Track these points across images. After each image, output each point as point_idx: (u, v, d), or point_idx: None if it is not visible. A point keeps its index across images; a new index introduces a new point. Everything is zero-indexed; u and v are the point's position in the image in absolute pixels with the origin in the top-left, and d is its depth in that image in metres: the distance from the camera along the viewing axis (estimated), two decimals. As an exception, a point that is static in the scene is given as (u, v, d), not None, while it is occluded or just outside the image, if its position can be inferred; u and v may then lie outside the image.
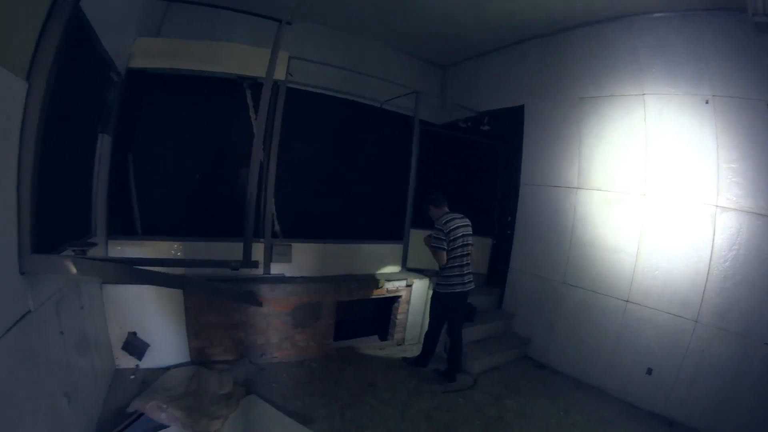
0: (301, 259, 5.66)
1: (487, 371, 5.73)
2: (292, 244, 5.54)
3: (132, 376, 4.45)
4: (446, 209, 5.34)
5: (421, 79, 8.00)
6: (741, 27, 4.44)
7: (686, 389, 4.74)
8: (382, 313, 6.57)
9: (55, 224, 2.91)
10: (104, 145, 4.08)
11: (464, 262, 5.30)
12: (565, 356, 5.93)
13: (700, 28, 4.78)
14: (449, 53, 7.96)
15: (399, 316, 6.39)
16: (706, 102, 4.72)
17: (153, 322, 4.66)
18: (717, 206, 4.64)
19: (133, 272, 3.03)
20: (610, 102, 5.60)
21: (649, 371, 5.03)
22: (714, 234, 4.64)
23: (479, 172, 7.45)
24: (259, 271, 5.19)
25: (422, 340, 5.77)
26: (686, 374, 4.74)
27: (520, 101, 6.83)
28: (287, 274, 5.59)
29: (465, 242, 5.26)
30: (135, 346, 4.56)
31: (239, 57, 4.86)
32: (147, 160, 4.76)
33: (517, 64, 6.97)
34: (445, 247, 5.12)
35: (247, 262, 3.36)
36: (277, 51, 3.34)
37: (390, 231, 6.54)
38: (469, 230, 5.32)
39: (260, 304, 4.35)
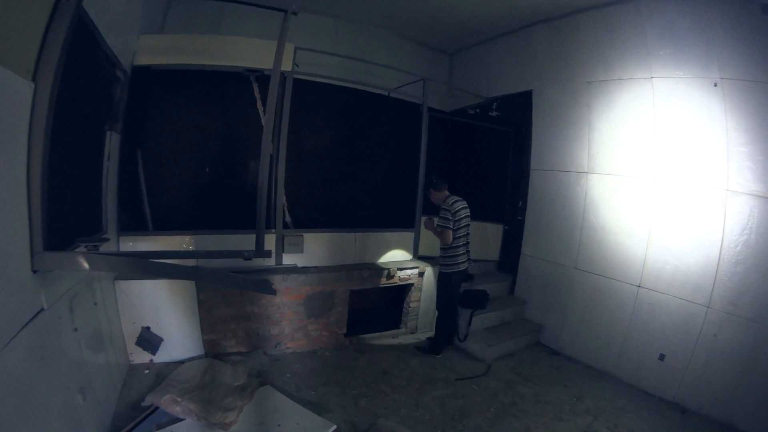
0: (313, 249, 5.69)
1: (500, 358, 5.75)
2: (304, 234, 5.57)
3: (146, 371, 4.50)
4: (447, 192, 5.47)
5: (429, 66, 7.99)
6: (746, 8, 4.41)
7: (698, 375, 4.74)
8: (395, 301, 6.58)
9: (67, 222, 2.94)
10: (112, 142, 4.11)
11: (467, 242, 5.50)
12: (577, 342, 5.95)
13: (707, 10, 4.72)
14: (456, 40, 7.92)
15: (412, 304, 6.41)
16: (715, 85, 4.67)
17: (166, 317, 4.69)
18: (728, 190, 4.60)
19: (146, 265, 3.05)
20: (619, 85, 5.55)
21: (662, 357, 5.03)
22: (725, 218, 4.61)
23: (489, 158, 7.44)
24: (272, 262, 5.30)
25: (435, 328, 5.81)
26: (698, 360, 4.74)
27: (529, 86, 6.81)
28: (299, 264, 5.61)
29: (467, 222, 5.45)
30: (149, 340, 4.61)
31: (245, 50, 4.86)
32: (155, 155, 4.78)
33: (525, 49, 6.93)
34: (452, 227, 5.28)
35: (260, 251, 3.38)
36: (284, 42, 3.33)
37: (401, 219, 6.55)
38: (469, 212, 5.48)
39: (275, 293, 4.37)
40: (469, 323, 5.91)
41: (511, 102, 7.24)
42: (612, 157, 5.68)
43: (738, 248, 4.52)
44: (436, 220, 5.52)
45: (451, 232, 5.30)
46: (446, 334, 5.73)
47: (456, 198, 5.39)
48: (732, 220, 4.56)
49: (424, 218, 5.77)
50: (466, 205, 5.43)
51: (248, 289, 4.81)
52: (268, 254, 3.45)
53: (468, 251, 5.57)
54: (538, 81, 6.66)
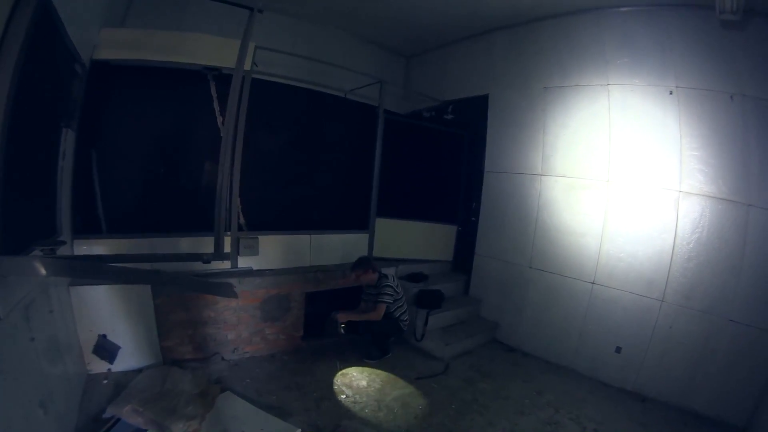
0: (268, 252, 5.53)
1: (458, 356, 5.75)
2: (259, 236, 5.40)
3: (105, 381, 4.25)
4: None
5: (386, 69, 7.88)
6: (707, 22, 4.60)
7: (656, 365, 4.95)
8: (351, 302, 6.38)
9: (21, 224, 2.70)
10: (68, 140, 3.84)
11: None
12: (534, 339, 6.02)
13: (666, 22, 4.91)
14: (415, 42, 7.88)
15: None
16: (670, 93, 4.87)
17: (123, 323, 4.44)
18: (680, 191, 4.81)
19: (105, 269, 2.88)
20: (575, 92, 5.66)
21: (618, 350, 5.20)
22: (677, 218, 4.82)
23: (443, 161, 7.40)
24: (227, 265, 5.06)
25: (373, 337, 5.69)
26: (655, 351, 4.95)
27: (485, 90, 6.82)
28: (255, 267, 5.44)
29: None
30: (106, 349, 4.35)
31: (205, 47, 4.67)
32: (110, 154, 4.51)
33: (483, 54, 6.94)
34: (390, 301, 5.44)
35: (219, 254, 3.26)
36: (248, 40, 3.25)
37: (356, 220, 6.46)
38: None
39: (237, 296, 4.21)
40: (426, 323, 5.88)
41: (466, 105, 7.26)
42: (566, 160, 5.77)
43: (690, 245, 4.75)
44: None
45: (385, 306, 5.36)
46: (387, 333, 5.68)
47: (390, 277, 5.57)
48: (685, 219, 4.78)
49: (338, 316, 5.44)
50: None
51: (210, 293, 4.57)
52: (227, 257, 3.33)
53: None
54: (495, 85, 6.69)
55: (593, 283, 5.41)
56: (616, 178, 5.30)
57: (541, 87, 6.01)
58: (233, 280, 4.95)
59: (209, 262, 3.24)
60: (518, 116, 6.31)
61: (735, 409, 4.47)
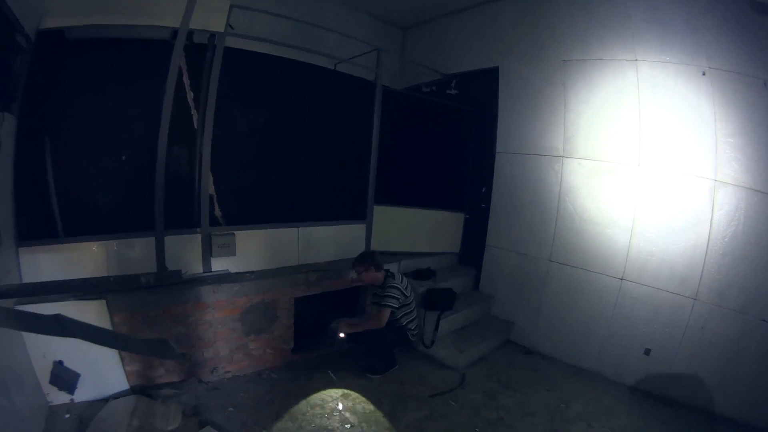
0: (248, 250, 4.75)
1: (473, 363, 5.25)
2: (236, 232, 4.61)
3: (67, 415, 3.51)
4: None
5: (380, 41, 7.00)
6: (737, 5, 4.31)
7: (685, 368, 4.67)
8: (348, 307, 5.80)
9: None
10: (5, 126, 3.09)
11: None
12: (553, 340, 5.63)
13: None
14: (413, 12, 7.30)
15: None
16: (703, 73, 4.55)
17: (80, 347, 3.49)
18: (716, 180, 4.49)
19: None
20: (599, 66, 5.23)
21: (647, 351, 4.87)
22: (713, 209, 4.50)
23: (448, 140, 6.78)
24: (199, 269, 4.33)
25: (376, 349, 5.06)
26: (685, 353, 4.66)
27: (495, 63, 6.31)
28: (232, 270, 4.64)
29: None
30: (62, 378, 3.57)
31: (173, 7, 3.91)
32: (65, 141, 3.72)
33: (491, 23, 6.43)
34: (396, 305, 4.81)
35: (163, 274, 2.49)
36: None
37: (351, 209, 5.77)
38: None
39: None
40: (436, 327, 5.32)
41: (473, 79, 6.74)
42: (592, 141, 5.33)
43: (726, 239, 4.46)
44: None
45: (389, 311, 4.72)
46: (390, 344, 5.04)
47: (398, 277, 4.96)
48: (720, 211, 4.49)
49: (337, 327, 4.85)
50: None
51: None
52: (176, 276, 2.59)
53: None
54: (506, 57, 6.19)
55: (622, 278, 5.03)
56: (647, 162, 4.89)
57: (560, 60, 5.53)
58: (207, 288, 4.24)
59: (150, 287, 2.46)
60: (534, 91, 5.83)
61: (762, 412, 4.23)
